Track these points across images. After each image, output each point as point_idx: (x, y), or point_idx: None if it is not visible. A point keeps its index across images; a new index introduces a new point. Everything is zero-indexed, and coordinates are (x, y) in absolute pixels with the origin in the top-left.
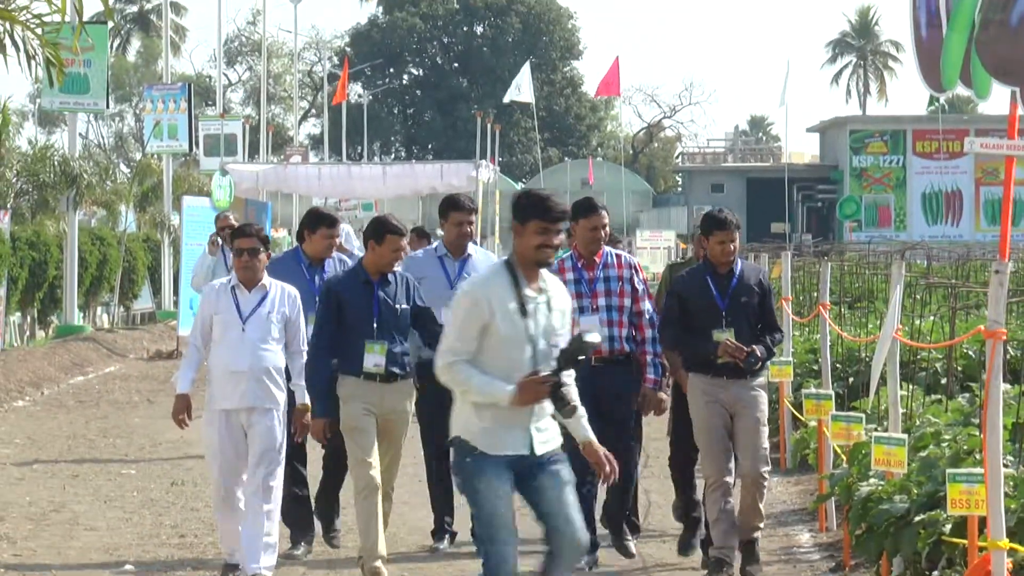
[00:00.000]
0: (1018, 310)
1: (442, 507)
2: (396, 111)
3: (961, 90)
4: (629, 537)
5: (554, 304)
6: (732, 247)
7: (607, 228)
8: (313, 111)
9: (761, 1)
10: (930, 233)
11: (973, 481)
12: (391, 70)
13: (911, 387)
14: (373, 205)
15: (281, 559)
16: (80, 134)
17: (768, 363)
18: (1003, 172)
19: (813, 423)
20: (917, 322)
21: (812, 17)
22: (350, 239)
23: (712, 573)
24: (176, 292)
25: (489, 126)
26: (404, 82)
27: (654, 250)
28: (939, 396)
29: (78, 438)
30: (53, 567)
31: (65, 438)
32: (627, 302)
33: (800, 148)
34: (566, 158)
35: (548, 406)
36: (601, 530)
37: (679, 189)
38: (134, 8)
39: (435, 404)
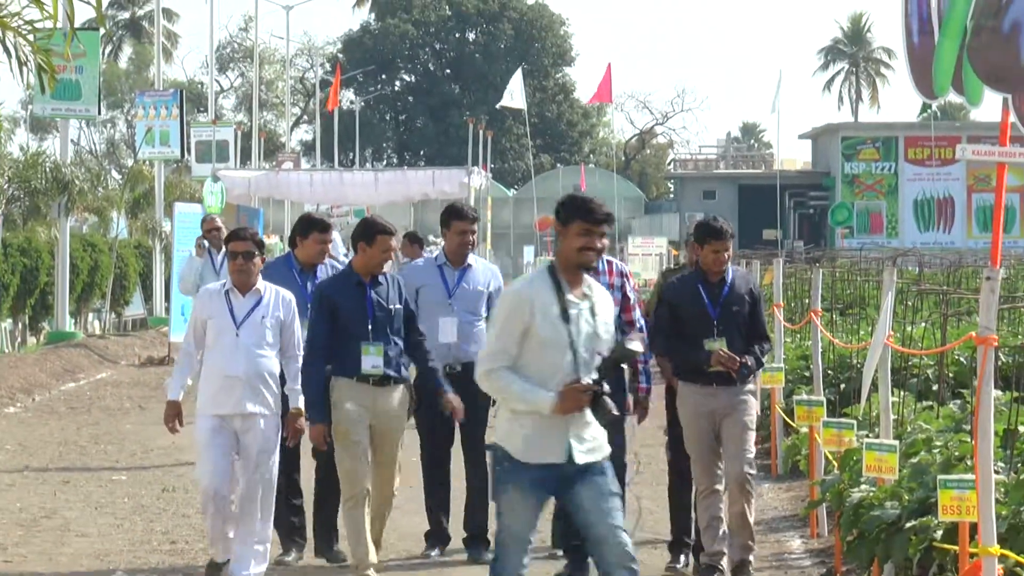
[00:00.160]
0: (1009, 317)
1: (437, 514)
2: (388, 117)
3: (953, 97)
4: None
5: (598, 311)
6: (726, 256)
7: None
8: (305, 117)
9: (753, 8)
10: (922, 240)
11: (964, 487)
12: (383, 76)
13: (902, 393)
14: (365, 211)
15: (272, 566)
16: (72, 140)
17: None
18: (995, 179)
19: (804, 429)
20: (909, 328)
21: (804, 24)
22: (336, 246)
23: None
24: (168, 298)
25: (481, 132)
26: (396, 88)
27: (646, 256)
28: (930, 402)
29: (69, 444)
30: (44, 574)
31: (56, 444)
32: (616, 310)
33: (792, 155)
34: (558, 164)
35: (590, 414)
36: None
37: (671, 196)
38: (126, 14)
39: (434, 412)
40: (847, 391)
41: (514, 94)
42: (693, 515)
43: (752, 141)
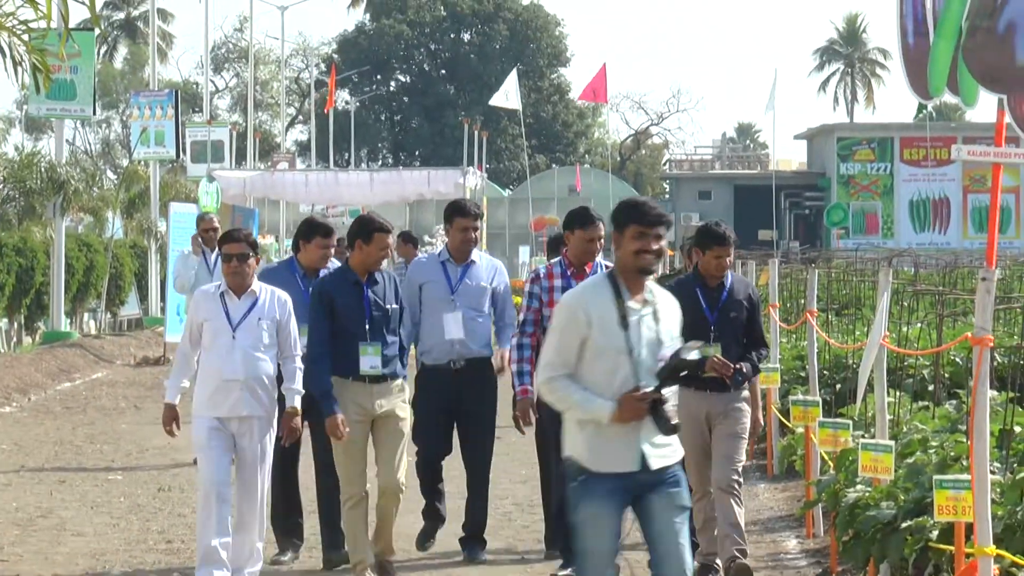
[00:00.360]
0: (1005, 317)
1: (431, 515)
2: (383, 118)
3: (948, 97)
4: None
5: (661, 316)
6: (727, 262)
7: (603, 240)
8: (300, 118)
9: (749, 9)
10: (917, 240)
11: (960, 487)
12: (378, 77)
13: (898, 394)
14: (360, 211)
15: (268, 565)
16: (67, 140)
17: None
18: (990, 179)
19: (800, 430)
20: (904, 329)
21: (800, 25)
22: None
23: None
24: (163, 298)
25: (476, 133)
26: (391, 89)
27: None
28: (926, 403)
29: (65, 444)
30: (40, 574)
31: (52, 444)
32: None
33: (787, 155)
34: (553, 165)
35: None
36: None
37: (666, 196)
38: (121, 15)
39: (431, 413)
40: (843, 391)
41: (509, 94)
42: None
43: (748, 141)
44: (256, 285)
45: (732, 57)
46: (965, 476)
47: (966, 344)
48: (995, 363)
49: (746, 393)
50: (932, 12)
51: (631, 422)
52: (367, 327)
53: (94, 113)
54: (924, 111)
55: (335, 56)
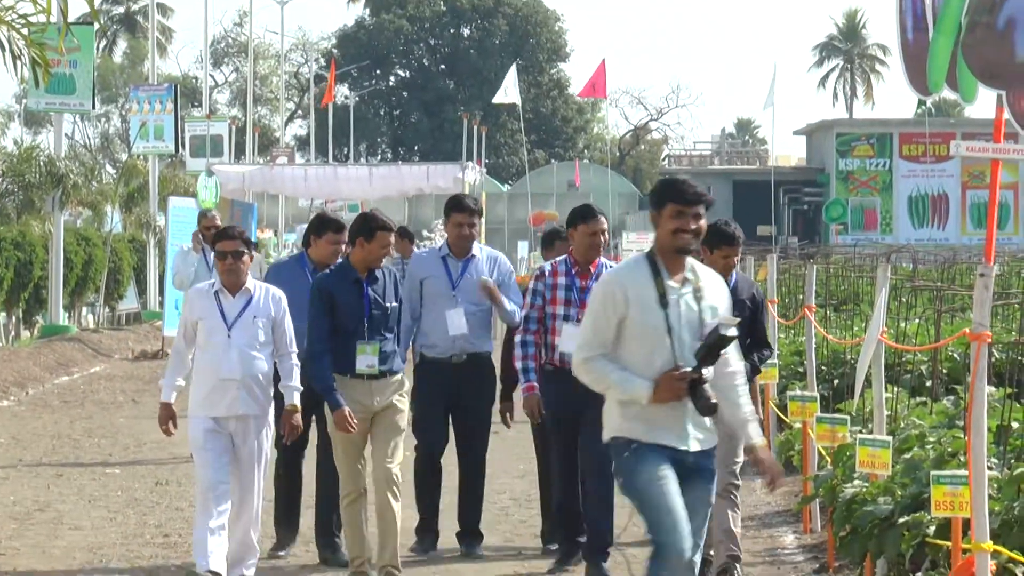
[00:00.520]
0: (1003, 313)
1: (428, 512)
2: (382, 112)
3: (947, 93)
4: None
5: (704, 295)
6: (734, 261)
7: (606, 235)
8: (299, 112)
9: (748, 4)
10: (916, 236)
11: (957, 483)
12: (378, 72)
13: (896, 389)
14: (359, 206)
15: (265, 559)
16: (66, 135)
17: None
18: (989, 175)
19: (798, 425)
20: (902, 325)
21: (799, 20)
22: None
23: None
24: (162, 292)
25: (475, 128)
26: (391, 84)
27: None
28: (924, 398)
29: (63, 438)
30: (37, 567)
31: (50, 438)
32: None
33: (786, 151)
34: (552, 160)
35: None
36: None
37: None
38: (120, 9)
39: (432, 410)
40: (840, 387)
41: (508, 89)
42: None
43: (747, 137)
44: (251, 283)
45: (731, 53)
46: (962, 472)
47: (964, 340)
48: (993, 359)
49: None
50: (932, 8)
51: (670, 402)
52: (366, 325)
53: (93, 107)
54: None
55: (334, 51)
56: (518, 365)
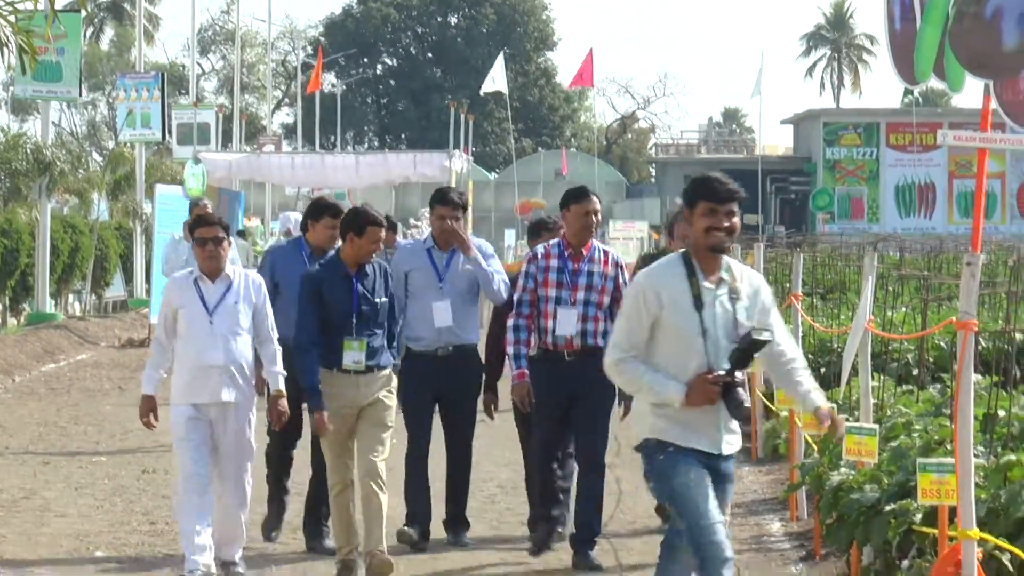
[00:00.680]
0: (989, 302)
1: (416, 505)
2: (370, 101)
3: (935, 83)
4: (592, 552)
5: (741, 296)
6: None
7: (599, 215)
8: (286, 100)
9: None
10: (903, 225)
11: (944, 471)
12: (365, 60)
13: (882, 378)
14: (346, 194)
15: (256, 546)
16: (53, 122)
17: None
18: (976, 165)
19: (785, 413)
20: (889, 313)
21: (787, 10)
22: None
23: None
24: (148, 280)
25: (463, 116)
26: (378, 72)
27: (627, 240)
28: (910, 387)
29: (49, 425)
30: (23, 555)
31: (36, 425)
32: (606, 300)
33: (774, 140)
34: (540, 148)
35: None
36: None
37: (652, 180)
38: None
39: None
40: (827, 375)
41: (496, 78)
42: None
43: (734, 126)
44: (230, 268)
45: (719, 42)
46: (949, 460)
47: (951, 328)
48: (979, 347)
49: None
50: None
51: (702, 406)
52: (354, 321)
53: (80, 95)
54: (910, 96)
55: (322, 39)
56: (509, 351)
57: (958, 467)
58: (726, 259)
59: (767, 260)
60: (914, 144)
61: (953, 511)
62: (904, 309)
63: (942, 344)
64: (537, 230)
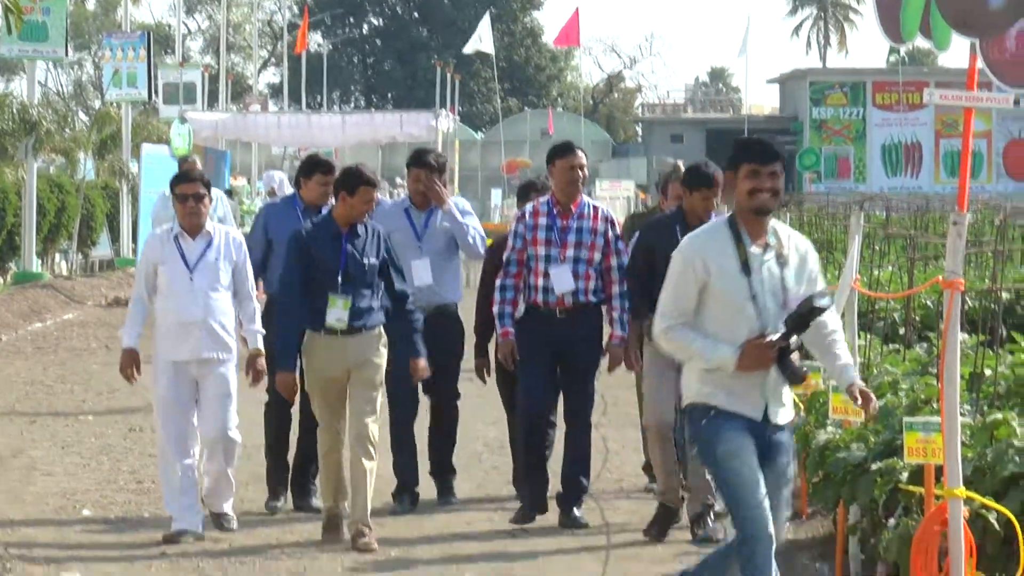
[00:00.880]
0: (976, 261)
1: (406, 467)
2: (356, 60)
3: (921, 42)
4: (578, 509)
5: (788, 261)
6: (714, 203)
7: (585, 170)
8: (273, 60)
9: None
10: (889, 185)
11: (930, 430)
12: (351, 19)
13: (869, 337)
14: (333, 153)
15: (243, 503)
16: (39, 82)
17: None
18: (962, 124)
19: None
20: (875, 272)
21: None
22: (283, 187)
23: (658, 520)
24: (135, 239)
25: (449, 76)
26: (364, 32)
27: (613, 200)
28: (897, 346)
29: (36, 384)
30: (10, 513)
31: (23, 384)
32: (597, 256)
33: (760, 100)
34: (526, 108)
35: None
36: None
37: (639, 140)
38: None
39: (400, 371)
40: None
41: (482, 38)
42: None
43: (720, 86)
44: (209, 226)
45: (705, 1)
46: (935, 418)
47: (937, 287)
48: (966, 306)
49: None
50: None
51: (756, 370)
52: (339, 280)
53: (66, 54)
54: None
55: None
56: (495, 310)
57: (944, 426)
58: (772, 223)
59: None
60: (900, 103)
61: (940, 470)
62: (891, 268)
63: (928, 303)
64: (526, 191)
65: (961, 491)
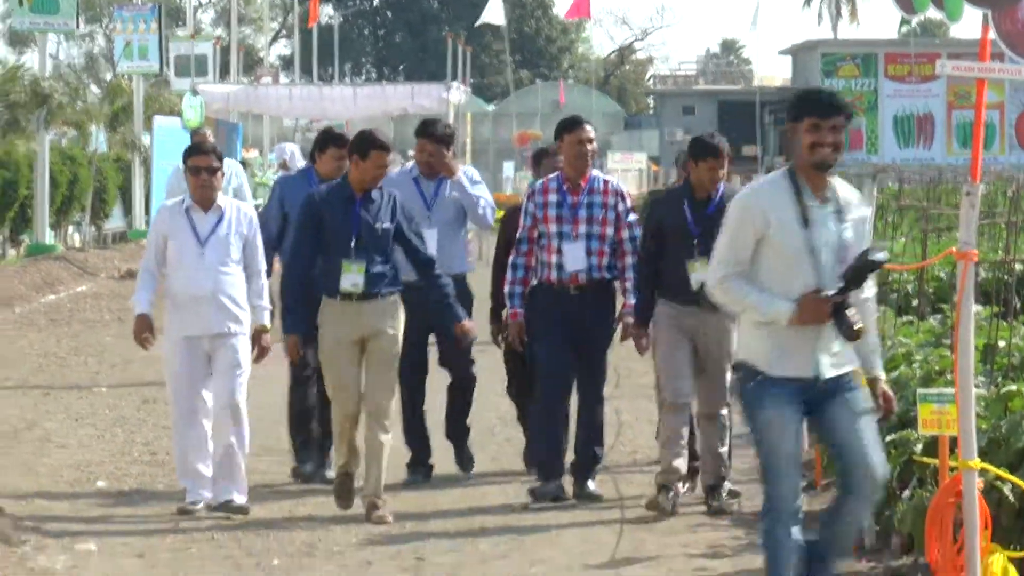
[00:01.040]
0: (989, 232)
1: (418, 440)
2: (367, 32)
3: (933, 13)
4: (592, 482)
5: (846, 215)
6: (720, 174)
7: (594, 144)
8: (284, 32)
9: None
10: (902, 156)
11: (944, 401)
12: None
13: (882, 308)
14: (344, 126)
15: (254, 475)
16: (50, 55)
17: None
18: (975, 95)
19: None
20: (889, 244)
21: None
22: (295, 159)
23: (656, 499)
24: (148, 211)
25: (460, 47)
26: (375, 3)
27: (625, 172)
28: (910, 317)
29: (49, 356)
30: (24, 486)
31: (36, 356)
32: (609, 231)
33: (771, 71)
34: (537, 80)
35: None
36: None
37: (651, 112)
38: None
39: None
40: None
41: (493, 10)
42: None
43: (731, 57)
44: (221, 199)
45: None
46: (949, 390)
47: (950, 259)
48: (979, 278)
49: None
50: None
51: (811, 325)
52: (352, 245)
53: (77, 27)
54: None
55: None
56: (505, 289)
57: (959, 397)
58: (832, 178)
59: None
60: (912, 75)
61: (954, 441)
62: (904, 240)
63: (942, 275)
64: (539, 158)
65: (976, 463)
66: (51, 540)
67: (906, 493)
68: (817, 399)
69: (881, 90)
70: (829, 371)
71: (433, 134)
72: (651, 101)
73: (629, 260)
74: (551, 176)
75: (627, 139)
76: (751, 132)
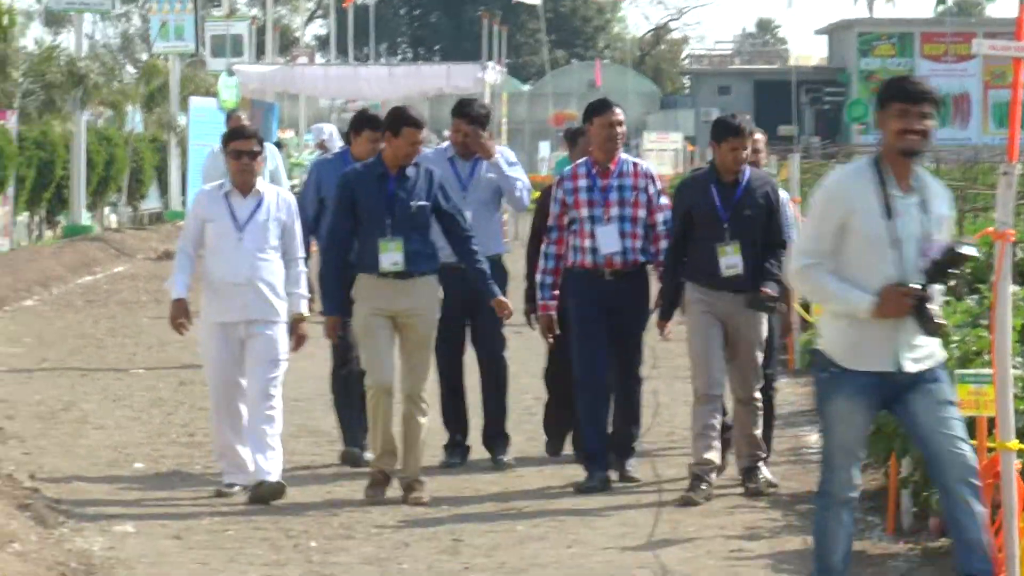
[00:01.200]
0: None
1: (454, 421)
2: (402, 12)
3: None
4: (631, 463)
5: (931, 207)
6: (744, 155)
7: (623, 127)
8: (320, 12)
9: None
10: (938, 136)
11: (982, 382)
12: None
13: None
14: (380, 106)
15: (292, 458)
16: (86, 35)
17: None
18: (1011, 75)
19: None
20: None
21: None
22: (332, 139)
23: (689, 491)
24: (184, 192)
25: (496, 27)
26: None
27: (661, 152)
28: (947, 297)
29: (87, 338)
30: (62, 466)
31: (73, 338)
32: (641, 213)
33: (808, 50)
34: (573, 60)
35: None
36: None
37: (686, 91)
38: None
39: (447, 317)
40: None
41: None
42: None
43: (767, 37)
44: (260, 184)
45: None
46: (987, 371)
47: (987, 239)
48: (1017, 258)
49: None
50: None
51: (892, 317)
52: (388, 222)
53: (113, 7)
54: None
55: None
56: (537, 278)
57: (996, 378)
58: (917, 168)
59: (802, 171)
60: (948, 54)
61: (991, 422)
62: None
63: (979, 255)
64: (573, 138)
65: (1014, 443)
66: (88, 522)
67: None
68: (896, 392)
69: (917, 69)
70: (910, 366)
71: (469, 114)
72: (687, 81)
73: (664, 243)
74: (580, 161)
75: (663, 119)
76: (787, 112)
